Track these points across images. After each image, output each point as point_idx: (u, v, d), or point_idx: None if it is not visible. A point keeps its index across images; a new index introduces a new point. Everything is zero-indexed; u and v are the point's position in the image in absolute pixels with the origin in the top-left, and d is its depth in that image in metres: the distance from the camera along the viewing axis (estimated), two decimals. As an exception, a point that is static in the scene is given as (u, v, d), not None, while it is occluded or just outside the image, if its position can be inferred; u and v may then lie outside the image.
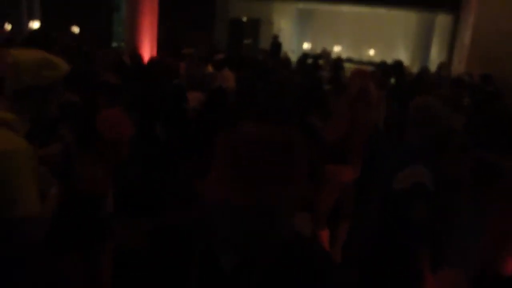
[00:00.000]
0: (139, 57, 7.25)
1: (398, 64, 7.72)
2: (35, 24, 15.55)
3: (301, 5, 18.71)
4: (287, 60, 9.17)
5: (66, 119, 3.14)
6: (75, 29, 14.08)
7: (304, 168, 1.11)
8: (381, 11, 17.33)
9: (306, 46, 18.55)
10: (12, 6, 17.25)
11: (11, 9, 17.02)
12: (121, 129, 2.60)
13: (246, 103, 3.88)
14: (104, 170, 2.67)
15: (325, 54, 15.24)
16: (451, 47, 13.83)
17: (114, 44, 16.08)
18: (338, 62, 9.14)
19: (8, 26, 12.63)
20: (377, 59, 15.38)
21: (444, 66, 12.05)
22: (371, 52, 18.02)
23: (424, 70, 9.22)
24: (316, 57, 12.43)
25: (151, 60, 6.28)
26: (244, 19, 17.69)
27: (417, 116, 2.50)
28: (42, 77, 1.92)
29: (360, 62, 15.38)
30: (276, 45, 14.62)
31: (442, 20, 15.91)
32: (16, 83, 1.91)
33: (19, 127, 1.87)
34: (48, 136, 2.71)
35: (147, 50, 10.01)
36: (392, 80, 6.27)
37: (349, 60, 15.28)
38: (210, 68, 5.64)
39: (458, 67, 11.71)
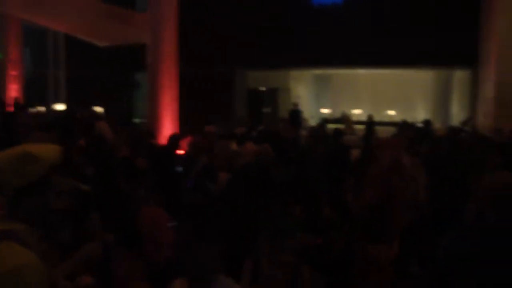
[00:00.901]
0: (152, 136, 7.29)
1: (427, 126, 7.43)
2: (60, 106, 16.04)
3: (317, 71, 18.98)
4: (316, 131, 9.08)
5: (88, 212, 3.05)
6: (98, 109, 14.42)
7: None
8: (398, 72, 17.45)
9: (325, 111, 18.64)
10: (39, 89, 17.94)
11: (38, 92, 17.69)
12: (165, 230, 2.48)
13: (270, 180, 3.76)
14: (143, 269, 2.53)
15: (345, 118, 15.24)
16: (472, 101, 13.70)
17: (136, 121, 16.39)
18: (370, 123, 9.02)
19: (32, 109, 13.01)
20: (398, 119, 15.30)
21: (469, 121, 11.88)
22: (391, 112, 17.97)
23: (454, 132, 9.00)
24: (336, 121, 12.41)
25: (173, 138, 6.29)
26: (262, 88, 17.96)
27: (505, 194, 2.36)
28: (24, 174, 1.77)
29: (381, 123, 15.29)
30: (295, 113, 14.70)
31: (460, 76, 15.90)
32: (2, 188, 1.79)
33: (28, 238, 1.74)
34: (74, 232, 2.60)
35: (169, 126, 10.11)
36: (424, 146, 6.07)
37: (365, 122, 15.24)
38: (234, 144, 5.61)
39: (483, 121, 11.52)
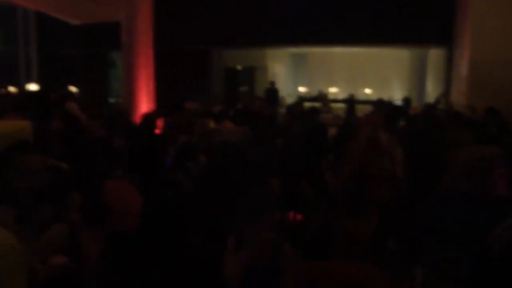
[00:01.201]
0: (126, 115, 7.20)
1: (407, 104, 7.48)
2: (32, 86, 15.67)
3: (294, 50, 18.93)
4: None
5: (64, 189, 3.00)
6: (72, 89, 14.14)
7: None
8: (373, 50, 17.53)
9: (302, 89, 18.66)
10: (10, 69, 17.47)
11: (9, 71, 17.23)
12: (130, 202, 2.46)
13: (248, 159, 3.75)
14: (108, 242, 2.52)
15: (322, 96, 15.30)
16: (447, 80, 13.88)
17: (112, 100, 16.16)
18: (350, 101, 9.06)
19: (3, 90, 12.70)
20: (374, 98, 15.43)
21: (443, 99, 12.02)
22: (367, 91, 18.12)
23: (429, 108, 9.12)
24: (313, 100, 12.44)
25: (149, 117, 6.22)
26: (239, 67, 17.86)
27: (478, 166, 2.44)
28: None
29: (358, 102, 15.42)
30: (272, 91, 14.69)
31: (435, 54, 16.05)
32: None
33: (3, 217, 1.71)
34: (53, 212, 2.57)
35: (145, 105, 10.00)
36: (402, 122, 6.14)
37: (346, 100, 15.34)
38: (212, 123, 5.59)
39: (457, 99, 11.69)
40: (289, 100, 15.75)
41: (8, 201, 1.75)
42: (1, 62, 16.70)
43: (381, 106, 9.15)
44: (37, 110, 7.13)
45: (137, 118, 8.13)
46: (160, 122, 6.10)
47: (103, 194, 2.47)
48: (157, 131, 5.90)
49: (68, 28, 14.25)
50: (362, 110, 10.76)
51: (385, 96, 14.83)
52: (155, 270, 2.55)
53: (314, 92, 17.14)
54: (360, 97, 17.33)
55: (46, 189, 1.99)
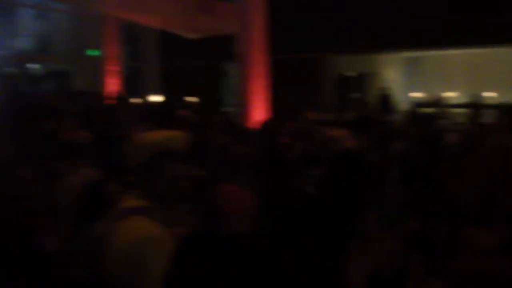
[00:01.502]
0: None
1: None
2: (155, 98, 16.82)
3: (408, 54, 18.30)
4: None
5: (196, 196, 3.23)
6: (192, 99, 14.96)
7: None
8: (494, 50, 16.34)
9: (416, 95, 17.96)
10: (133, 82, 18.89)
11: (133, 84, 18.64)
12: (243, 204, 2.58)
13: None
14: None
15: (438, 101, 14.64)
16: None
17: (226, 110, 16.80)
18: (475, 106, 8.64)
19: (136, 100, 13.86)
20: (497, 101, 14.43)
21: None
22: (489, 94, 16.90)
23: None
24: (429, 105, 11.98)
25: (269, 124, 6.39)
26: (352, 73, 17.69)
27: None
28: (132, 157, 2.01)
29: (480, 106, 14.47)
30: (385, 97, 14.37)
31: None
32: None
33: (154, 213, 1.92)
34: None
35: (260, 113, 10.22)
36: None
37: (468, 105, 14.47)
38: (329, 130, 5.63)
39: None
40: (404, 106, 15.28)
41: (157, 202, 1.97)
42: (126, 76, 18.04)
43: (507, 110, 8.56)
44: (162, 119, 7.71)
45: (253, 125, 8.39)
46: (279, 129, 6.24)
47: (217, 197, 2.62)
48: (276, 138, 6.04)
49: (185, 42, 15.10)
50: (485, 115, 10.11)
51: (510, 99, 13.79)
52: (272, 275, 2.64)
53: (429, 97, 16.43)
54: (481, 101, 16.25)
55: (185, 194, 2.19)
